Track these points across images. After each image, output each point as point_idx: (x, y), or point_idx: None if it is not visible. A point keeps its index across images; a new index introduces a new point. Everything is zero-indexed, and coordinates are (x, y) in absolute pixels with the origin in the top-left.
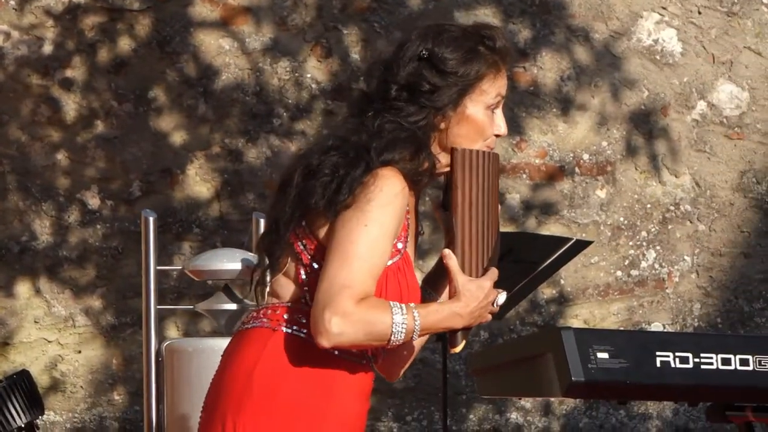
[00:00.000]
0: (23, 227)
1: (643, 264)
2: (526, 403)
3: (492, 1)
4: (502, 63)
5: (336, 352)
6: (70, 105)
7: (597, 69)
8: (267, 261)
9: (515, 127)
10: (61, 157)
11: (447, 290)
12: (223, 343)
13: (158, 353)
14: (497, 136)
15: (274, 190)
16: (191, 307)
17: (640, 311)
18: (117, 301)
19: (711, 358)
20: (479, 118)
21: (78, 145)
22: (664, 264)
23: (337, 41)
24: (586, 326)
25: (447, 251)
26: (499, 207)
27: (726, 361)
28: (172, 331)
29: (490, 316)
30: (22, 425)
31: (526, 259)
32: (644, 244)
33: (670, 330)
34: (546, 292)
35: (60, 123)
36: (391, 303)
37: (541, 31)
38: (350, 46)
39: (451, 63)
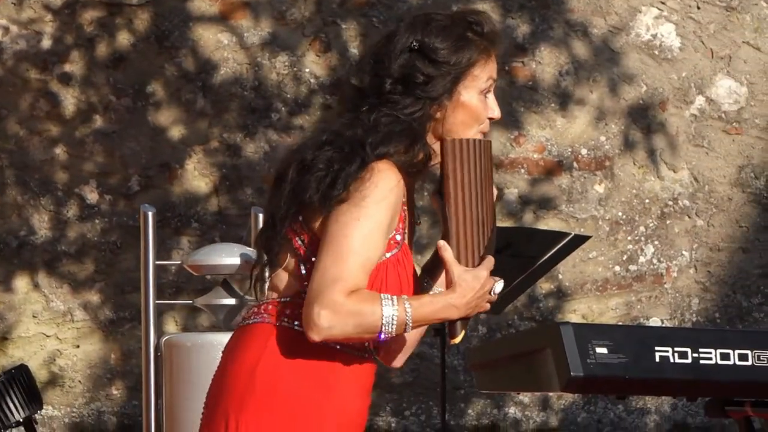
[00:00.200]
0: (22, 222)
1: (642, 259)
2: (525, 397)
3: None
4: (492, 47)
5: (338, 346)
6: (69, 99)
7: (595, 64)
8: (265, 257)
9: (513, 121)
10: (59, 151)
11: (443, 279)
12: (222, 337)
13: (157, 348)
14: (491, 119)
15: (270, 185)
16: (190, 301)
17: (639, 306)
18: (115, 295)
19: (710, 353)
20: (474, 104)
21: (76, 140)
22: (662, 259)
23: (336, 36)
24: (584, 321)
25: (441, 242)
26: (495, 195)
27: (725, 356)
28: (171, 326)
29: (488, 305)
30: (21, 420)
31: (524, 253)
32: (642, 239)
33: (668, 325)
34: (544, 286)
35: (58, 117)
36: (382, 295)
37: (539, 26)
38: (349, 40)
39: (442, 52)
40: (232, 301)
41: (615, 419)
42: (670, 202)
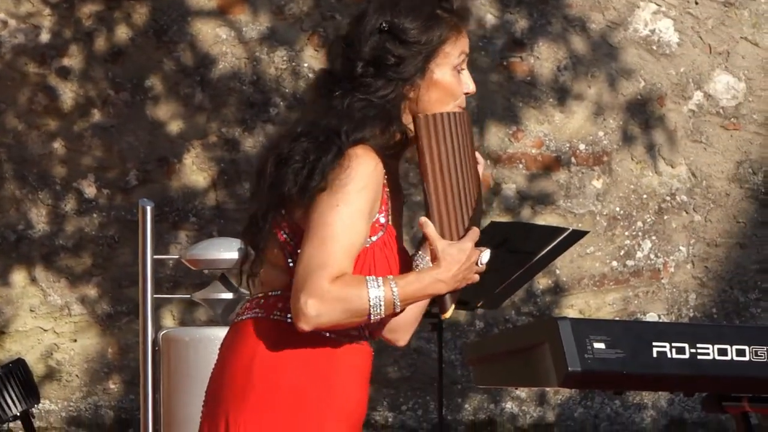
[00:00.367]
0: (19, 216)
1: (639, 254)
2: (522, 392)
3: None
4: (462, 22)
5: (333, 335)
6: (67, 94)
7: (594, 59)
8: (253, 252)
9: (512, 117)
10: (57, 145)
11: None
12: (219, 332)
13: (155, 342)
14: (467, 94)
15: (251, 181)
16: (188, 296)
17: (636, 301)
18: (113, 289)
19: (707, 348)
20: (448, 81)
21: (75, 134)
22: (659, 254)
23: (335, 31)
24: (581, 316)
25: (423, 218)
26: (481, 166)
27: (722, 352)
28: (168, 320)
29: (476, 276)
30: (18, 414)
31: (521, 249)
32: (640, 234)
33: (665, 320)
34: (541, 282)
35: (57, 112)
36: (367, 278)
37: (537, 21)
38: None
39: (412, 32)
40: (230, 296)
41: (612, 414)
42: (668, 198)
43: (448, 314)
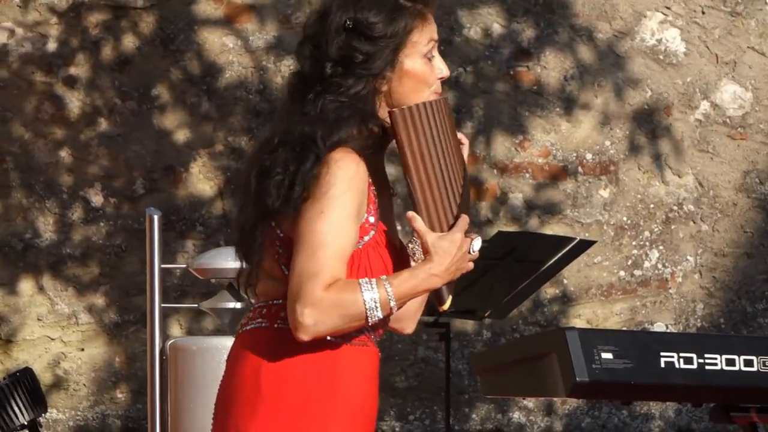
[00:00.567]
0: (27, 224)
1: (646, 264)
2: (529, 402)
3: (496, 0)
4: (427, 9)
5: (331, 338)
6: (74, 102)
7: (600, 68)
8: (247, 263)
9: (518, 126)
10: (64, 154)
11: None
12: (227, 341)
13: (162, 351)
14: (441, 79)
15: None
16: (195, 305)
17: (643, 311)
18: (120, 298)
19: (715, 358)
20: (419, 69)
21: (81, 143)
22: (667, 264)
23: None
24: (589, 326)
25: (410, 213)
26: (465, 147)
27: (730, 362)
28: (175, 329)
29: (471, 265)
30: (25, 423)
31: (529, 258)
32: (647, 244)
33: (672, 330)
34: (549, 291)
35: (63, 120)
36: (360, 281)
37: (544, 31)
38: None
39: (377, 27)
40: (237, 305)
41: (619, 424)
42: (675, 207)
43: (446, 305)
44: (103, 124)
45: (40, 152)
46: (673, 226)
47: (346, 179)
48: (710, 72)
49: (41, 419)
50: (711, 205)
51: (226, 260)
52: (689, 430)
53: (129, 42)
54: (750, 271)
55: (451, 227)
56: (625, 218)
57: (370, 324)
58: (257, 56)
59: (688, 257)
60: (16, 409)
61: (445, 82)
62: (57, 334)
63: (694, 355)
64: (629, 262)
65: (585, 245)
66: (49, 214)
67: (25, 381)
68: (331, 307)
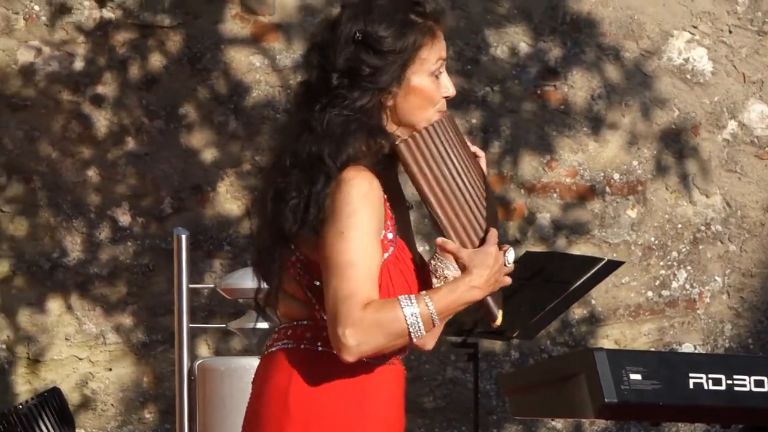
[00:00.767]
0: (54, 244)
1: (674, 284)
2: (557, 423)
3: (522, 19)
4: (437, 26)
5: (364, 359)
6: (101, 121)
7: (627, 88)
8: (266, 284)
9: (545, 145)
10: (91, 173)
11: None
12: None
13: (190, 372)
14: (446, 98)
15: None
16: (224, 325)
17: (671, 332)
18: (148, 318)
19: (744, 379)
20: (426, 87)
21: (109, 162)
22: (695, 284)
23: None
24: (617, 347)
25: (439, 240)
26: (483, 158)
27: (759, 383)
28: (203, 349)
29: (508, 279)
30: None
31: (557, 278)
32: (675, 264)
33: (701, 351)
34: (577, 312)
35: (91, 139)
36: (400, 297)
37: (571, 50)
38: None
39: (387, 41)
40: (265, 326)
41: None
42: (703, 228)
43: (498, 320)
44: (131, 143)
45: (67, 171)
46: (700, 247)
47: (360, 197)
48: (737, 91)
49: None
50: (739, 225)
51: (254, 280)
52: None
53: (156, 61)
54: None
55: (481, 242)
56: (652, 238)
57: (413, 340)
58: (284, 75)
59: (716, 278)
60: (44, 429)
61: (472, 102)
62: (85, 353)
63: (722, 377)
64: (657, 283)
65: (613, 266)
66: (76, 233)
67: (53, 401)
68: (372, 325)
